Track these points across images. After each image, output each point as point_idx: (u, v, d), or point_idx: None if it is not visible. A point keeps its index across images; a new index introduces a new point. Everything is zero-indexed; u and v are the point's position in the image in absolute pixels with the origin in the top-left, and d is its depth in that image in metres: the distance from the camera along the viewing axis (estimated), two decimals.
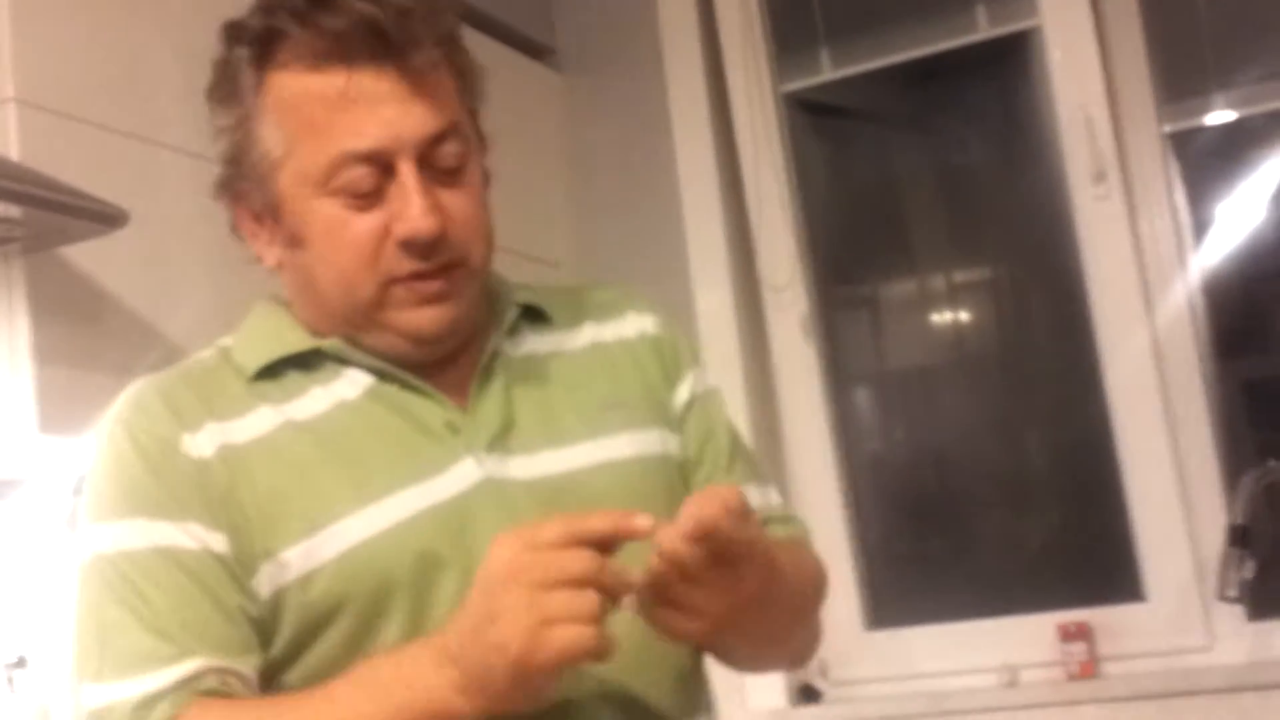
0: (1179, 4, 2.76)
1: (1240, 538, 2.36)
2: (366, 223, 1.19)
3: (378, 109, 1.17)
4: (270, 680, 1.19)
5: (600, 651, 1.03)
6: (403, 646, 1.13)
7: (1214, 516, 2.55)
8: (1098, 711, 2.50)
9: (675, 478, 1.32)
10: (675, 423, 1.34)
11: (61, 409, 1.75)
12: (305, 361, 1.25)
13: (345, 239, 1.19)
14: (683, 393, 1.36)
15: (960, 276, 3.10)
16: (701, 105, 2.93)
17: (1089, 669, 2.55)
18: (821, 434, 2.87)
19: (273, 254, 1.26)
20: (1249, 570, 2.36)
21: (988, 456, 2.93)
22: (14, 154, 1.77)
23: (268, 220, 1.24)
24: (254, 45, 1.21)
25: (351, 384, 1.24)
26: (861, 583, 2.83)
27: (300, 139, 1.19)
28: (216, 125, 1.24)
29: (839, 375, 2.94)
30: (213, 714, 1.13)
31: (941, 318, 3.12)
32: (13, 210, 1.66)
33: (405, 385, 1.24)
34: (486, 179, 1.28)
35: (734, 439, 1.39)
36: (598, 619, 1.03)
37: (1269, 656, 2.50)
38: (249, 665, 1.17)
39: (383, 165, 1.18)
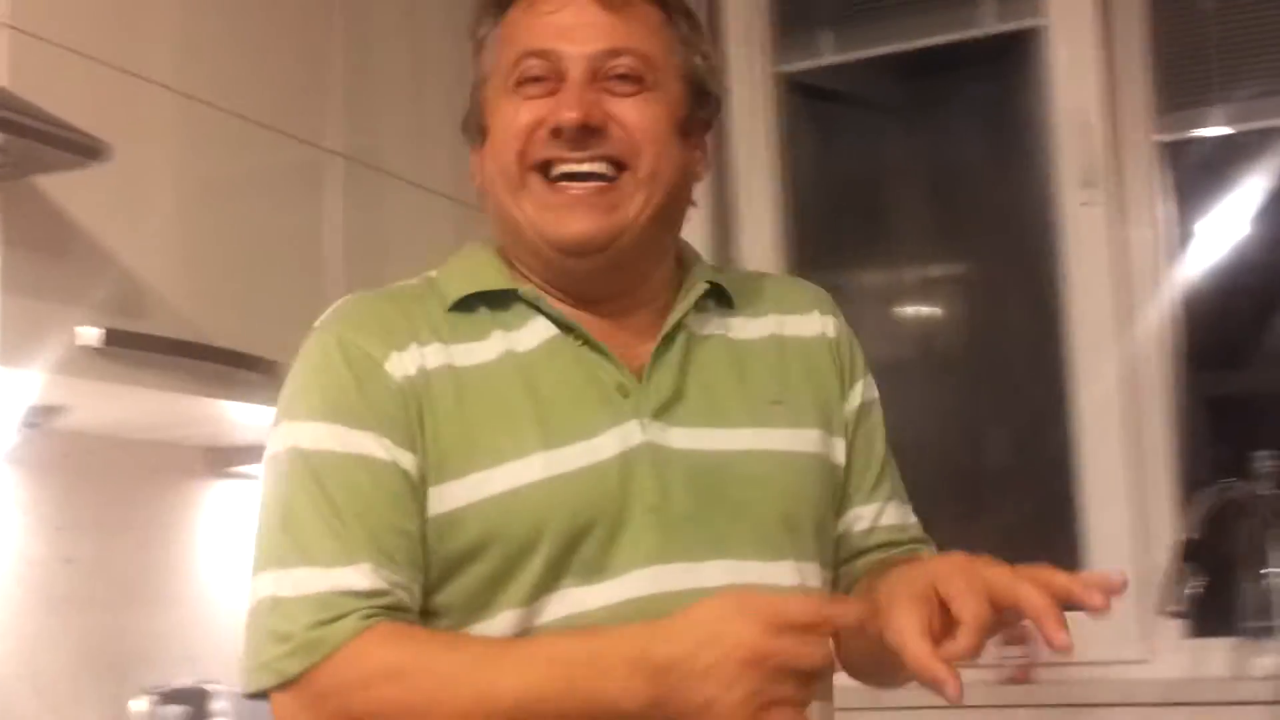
0: (1187, 14, 2.76)
1: (1190, 553, 2.38)
2: (530, 110, 1.26)
3: (557, 16, 1.27)
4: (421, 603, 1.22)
5: None
6: (603, 630, 1.14)
7: (1163, 531, 2.58)
8: (1030, 716, 2.52)
9: (829, 479, 1.34)
10: (840, 428, 1.36)
11: (22, 341, 1.74)
12: (500, 301, 1.29)
13: (511, 127, 1.26)
14: (853, 400, 1.38)
15: (936, 272, 3.10)
16: None
17: (1024, 674, 2.56)
18: None
19: (480, 176, 1.33)
20: (1195, 586, 2.38)
21: (945, 454, 2.93)
22: (3, 80, 1.76)
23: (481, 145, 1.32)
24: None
25: (533, 334, 1.27)
26: None
27: (499, 52, 1.30)
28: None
29: None
30: (400, 639, 1.15)
31: (914, 312, 3.12)
32: None
33: (585, 341, 1.27)
34: (688, 125, 1.30)
35: (888, 454, 1.41)
36: (807, 705, 1.07)
37: (1205, 673, 2.53)
38: (415, 581, 1.20)
39: (558, 71, 1.26)
